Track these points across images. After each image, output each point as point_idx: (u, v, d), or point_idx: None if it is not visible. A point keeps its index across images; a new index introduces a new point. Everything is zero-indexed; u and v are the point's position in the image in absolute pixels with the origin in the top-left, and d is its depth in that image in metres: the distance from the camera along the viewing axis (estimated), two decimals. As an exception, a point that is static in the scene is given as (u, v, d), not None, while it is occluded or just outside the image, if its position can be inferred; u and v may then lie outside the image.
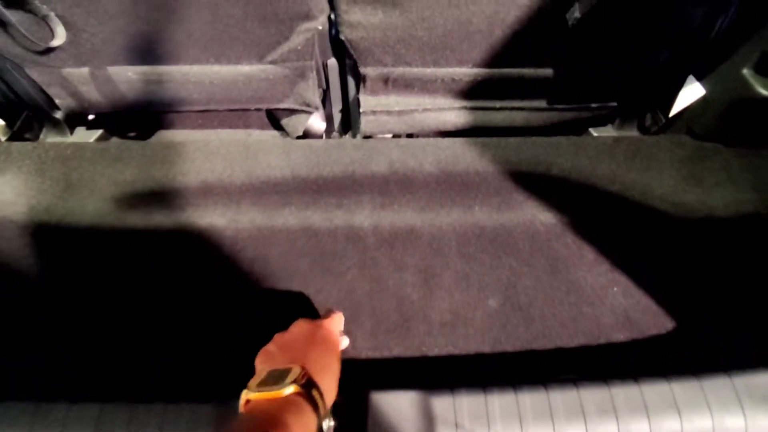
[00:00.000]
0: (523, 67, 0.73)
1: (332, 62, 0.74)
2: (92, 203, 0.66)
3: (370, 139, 0.78)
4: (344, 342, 0.49)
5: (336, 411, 0.38)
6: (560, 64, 0.72)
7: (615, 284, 0.59)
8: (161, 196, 0.67)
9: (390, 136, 0.84)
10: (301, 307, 0.58)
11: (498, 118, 0.81)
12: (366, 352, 0.54)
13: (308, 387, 0.35)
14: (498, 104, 0.80)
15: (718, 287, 0.60)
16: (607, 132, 0.87)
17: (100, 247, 0.62)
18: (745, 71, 0.71)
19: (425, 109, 0.79)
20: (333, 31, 0.69)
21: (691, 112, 0.81)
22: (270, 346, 0.42)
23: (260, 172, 0.69)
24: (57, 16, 0.61)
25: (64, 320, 0.56)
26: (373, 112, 0.78)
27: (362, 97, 0.77)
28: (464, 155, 0.72)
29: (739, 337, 0.56)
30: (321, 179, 0.69)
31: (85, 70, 0.71)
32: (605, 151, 0.74)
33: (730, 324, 0.57)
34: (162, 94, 0.74)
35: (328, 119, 0.84)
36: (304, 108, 0.78)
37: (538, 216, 0.65)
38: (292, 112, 0.81)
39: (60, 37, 0.63)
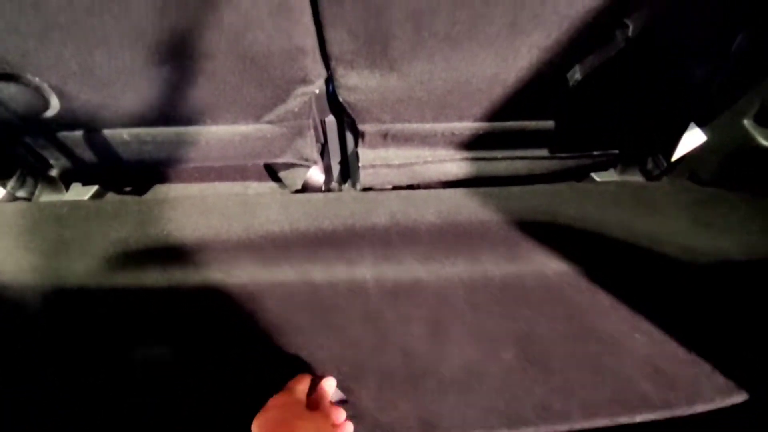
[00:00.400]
0: (524, 120, 0.72)
1: (330, 119, 0.73)
2: (84, 261, 0.64)
3: (369, 192, 0.77)
4: (340, 416, 0.48)
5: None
6: (562, 117, 0.71)
7: (637, 331, 0.57)
8: (156, 253, 0.65)
9: (390, 187, 0.83)
10: (301, 364, 0.56)
11: (500, 167, 0.80)
12: (372, 413, 0.52)
13: None
14: (500, 154, 0.79)
15: (740, 331, 0.58)
16: (610, 176, 0.87)
17: (91, 305, 0.60)
18: (746, 122, 0.70)
19: (425, 161, 0.78)
20: (330, 88, 0.68)
21: (693, 157, 0.80)
22: (267, 415, 0.43)
23: (258, 227, 0.67)
24: (50, 87, 0.60)
25: (54, 380, 0.54)
26: (373, 166, 0.77)
27: (361, 151, 0.76)
28: (467, 205, 0.70)
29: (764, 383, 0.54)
30: (320, 232, 0.67)
31: (78, 133, 0.70)
32: (610, 198, 0.73)
33: (756, 368, 0.55)
34: (157, 154, 0.73)
35: (327, 171, 0.83)
36: (302, 162, 0.77)
37: (549, 264, 0.63)
38: (291, 165, 0.80)
39: (54, 108, 0.62)
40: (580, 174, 0.86)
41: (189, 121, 0.69)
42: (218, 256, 0.65)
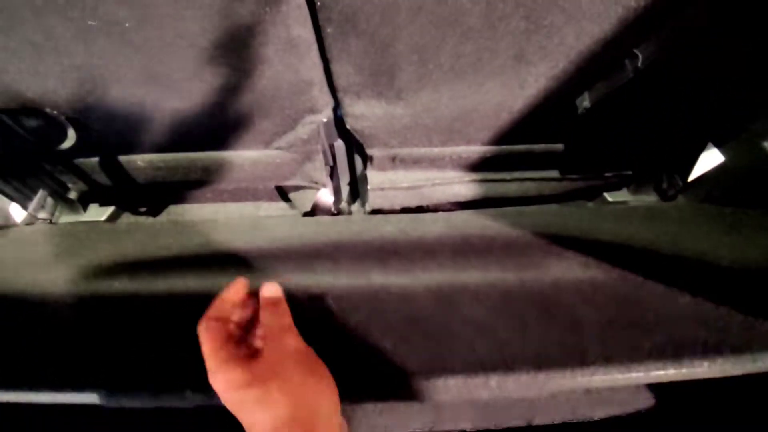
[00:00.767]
0: (532, 144, 0.72)
1: (339, 143, 0.74)
2: (101, 278, 0.65)
3: (378, 215, 0.77)
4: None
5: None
6: (571, 141, 0.70)
7: None
8: (168, 267, 0.66)
9: (399, 209, 0.83)
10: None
11: (510, 188, 0.80)
12: None
13: None
14: (509, 176, 0.78)
15: None
16: (623, 196, 0.85)
17: (109, 316, 0.61)
18: (766, 144, 0.68)
19: (434, 184, 0.78)
20: (338, 114, 0.69)
21: (709, 177, 0.78)
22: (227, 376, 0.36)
23: (267, 244, 0.67)
24: (68, 120, 0.62)
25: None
26: (381, 188, 0.77)
27: (369, 174, 0.77)
28: (477, 224, 0.69)
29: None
30: (329, 246, 0.66)
31: (95, 160, 0.72)
32: (624, 218, 0.72)
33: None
34: (170, 177, 0.75)
35: (336, 193, 0.83)
36: (312, 185, 0.78)
37: (562, 275, 0.62)
38: (301, 187, 0.81)
39: (71, 139, 0.64)
40: (592, 194, 0.85)
41: (200, 148, 0.70)
42: (226, 268, 0.65)
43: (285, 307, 0.43)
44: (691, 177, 0.80)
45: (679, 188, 0.81)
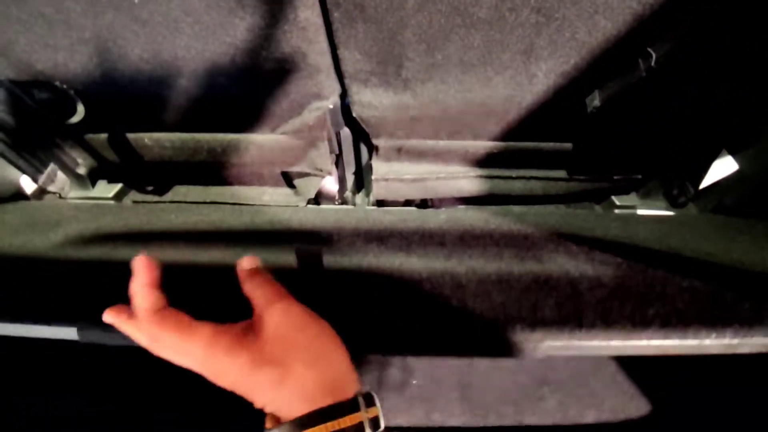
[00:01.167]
0: (540, 141, 0.70)
1: (345, 131, 0.74)
2: (104, 250, 0.65)
3: (380, 208, 0.77)
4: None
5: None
6: (580, 140, 0.69)
7: None
8: (164, 241, 0.66)
9: (403, 201, 0.83)
10: None
11: (515, 186, 0.79)
12: None
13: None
14: (515, 173, 0.77)
15: None
16: (631, 200, 0.83)
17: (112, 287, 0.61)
18: (783, 153, 0.66)
19: (439, 177, 0.77)
20: (345, 102, 0.68)
21: (723, 185, 0.76)
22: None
23: (268, 228, 0.67)
24: (77, 94, 0.63)
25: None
26: (386, 179, 0.77)
27: (375, 164, 0.76)
28: (480, 220, 0.68)
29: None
30: (329, 230, 0.66)
31: (103, 136, 0.73)
32: (631, 224, 0.70)
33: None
34: (176, 158, 0.76)
35: (341, 181, 0.83)
36: (317, 172, 0.78)
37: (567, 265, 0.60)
38: (306, 174, 0.81)
39: (80, 113, 0.64)
40: (600, 196, 0.83)
41: (206, 129, 0.71)
42: (227, 243, 0.65)
43: (268, 276, 0.40)
44: (703, 184, 0.78)
45: (690, 196, 0.79)
